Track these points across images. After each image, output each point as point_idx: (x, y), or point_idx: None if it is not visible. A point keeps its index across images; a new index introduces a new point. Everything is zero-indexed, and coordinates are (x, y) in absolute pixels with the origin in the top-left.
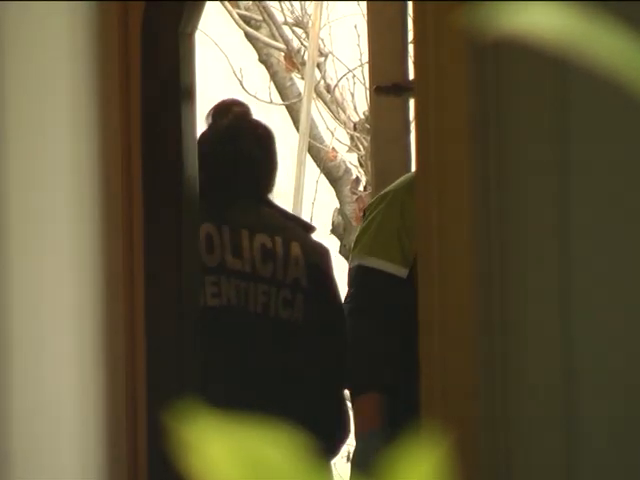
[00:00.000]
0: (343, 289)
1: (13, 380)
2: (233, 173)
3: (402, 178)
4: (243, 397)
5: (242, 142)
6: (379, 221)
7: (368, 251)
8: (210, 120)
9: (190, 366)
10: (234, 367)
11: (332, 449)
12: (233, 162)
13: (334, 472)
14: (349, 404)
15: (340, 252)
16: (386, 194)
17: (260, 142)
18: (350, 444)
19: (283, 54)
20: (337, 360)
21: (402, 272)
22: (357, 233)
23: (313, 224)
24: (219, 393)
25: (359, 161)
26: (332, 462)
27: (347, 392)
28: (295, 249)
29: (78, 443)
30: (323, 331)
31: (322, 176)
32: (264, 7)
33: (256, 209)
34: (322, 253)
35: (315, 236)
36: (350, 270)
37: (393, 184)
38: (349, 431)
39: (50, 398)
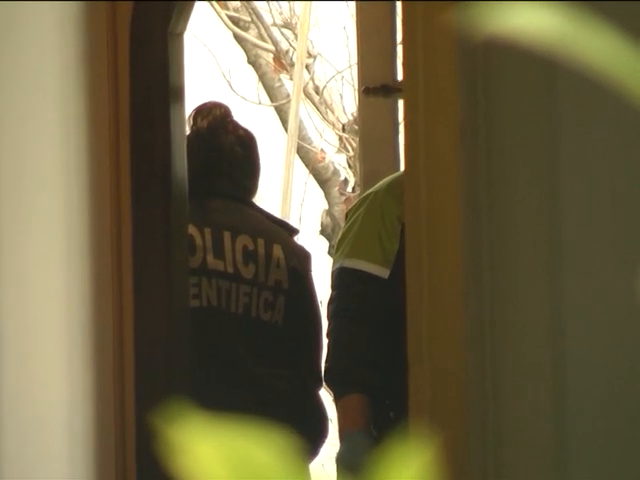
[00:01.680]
0: (327, 290)
1: (2, 381)
2: (214, 172)
3: (383, 180)
4: (224, 397)
5: (222, 142)
6: (360, 223)
7: (349, 253)
8: (191, 122)
9: (178, 367)
10: (214, 368)
11: (311, 450)
12: (214, 161)
13: (323, 473)
14: (331, 405)
15: (329, 253)
16: (367, 196)
17: (241, 143)
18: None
19: (272, 55)
20: (314, 362)
21: (383, 272)
22: (339, 236)
23: (297, 227)
24: (201, 394)
25: (348, 162)
26: (321, 463)
27: (330, 393)
28: (277, 251)
29: (66, 445)
30: (302, 334)
31: (311, 177)
32: (253, 8)
33: (239, 211)
34: (304, 257)
35: (304, 237)
36: (332, 272)
37: (375, 186)
38: (327, 432)
39: (39, 400)
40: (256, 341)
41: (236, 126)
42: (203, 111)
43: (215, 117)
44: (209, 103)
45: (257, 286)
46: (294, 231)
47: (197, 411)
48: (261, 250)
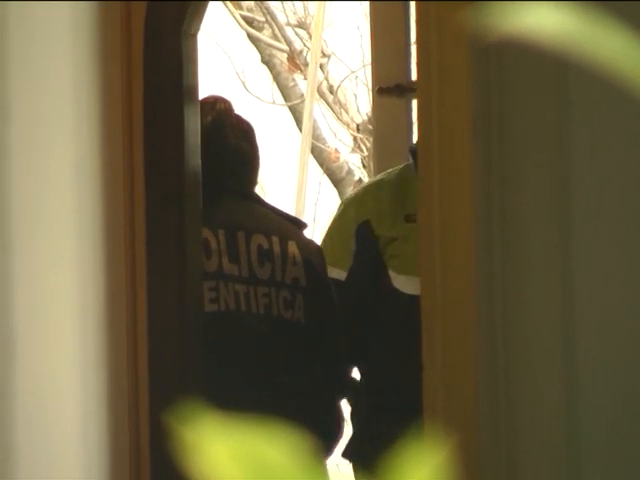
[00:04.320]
0: None
1: (16, 381)
2: (222, 171)
3: (361, 186)
4: (244, 398)
5: (229, 139)
6: (327, 230)
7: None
8: None
9: (192, 367)
10: (238, 370)
11: (328, 448)
12: (222, 159)
13: (338, 473)
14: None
15: None
16: (339, 205)
17: (245, 137)
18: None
19: (286, 55)
20: (334, 359)
21: (342, 275)
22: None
23: (305, 221)
24: (225, 396)
25: (362, 162)
26: (336, 464)
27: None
28: (292, 248)
29: (81, 444)
30: (323, 331)
31: (325, 177)
32: (266, 8)
33: (250, 209)
34: (316, 251)
35: (318, 236)
36: None
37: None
38: (343, 430)
39: (53, 399)
40: (279, 340)
41: (239, 120)
42: (206, 106)
43: (219, 113)
44: (210, 98)
45: (275, 286)
46: (303, 225)
47: (212, 411)
48: (276, 248)
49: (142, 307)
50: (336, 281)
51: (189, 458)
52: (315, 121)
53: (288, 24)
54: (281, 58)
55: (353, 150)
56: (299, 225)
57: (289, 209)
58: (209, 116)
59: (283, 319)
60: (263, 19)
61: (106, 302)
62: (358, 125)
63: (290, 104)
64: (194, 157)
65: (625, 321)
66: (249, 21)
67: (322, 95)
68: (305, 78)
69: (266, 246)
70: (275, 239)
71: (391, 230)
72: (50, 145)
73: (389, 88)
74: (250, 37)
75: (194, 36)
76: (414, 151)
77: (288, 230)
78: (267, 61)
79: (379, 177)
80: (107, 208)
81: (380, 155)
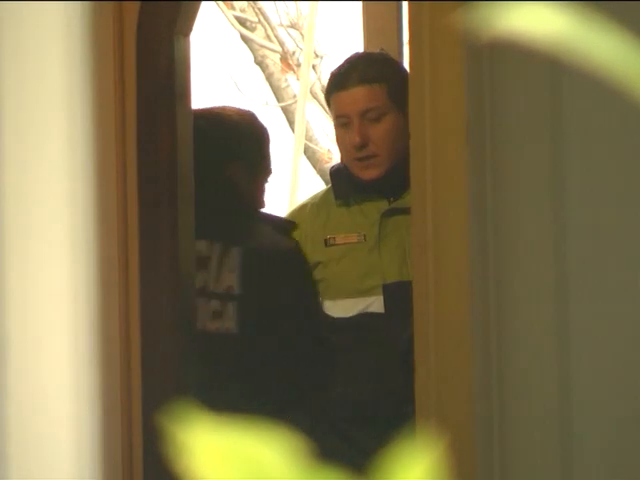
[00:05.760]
0: None
1: (8, 383)
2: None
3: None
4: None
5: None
6: None
7: None
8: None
9: (184, 368)
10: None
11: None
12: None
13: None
14: None
15: None
16: None
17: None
18: None
19: (278, 55)
20: (276, 367)
21: None
22: None
23: (290, 219)
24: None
25: None
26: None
27: None
28: (234, 254)
29: (73, 445)
30: (262, 339)
31: (318, 178)
32: (259, 8)
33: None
34: (275, 254)
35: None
36: None
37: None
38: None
39: (46, 400)
40: (202, 353)
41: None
42: (219, 117)
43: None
44: (228, 109)
45: (205, 296)
46: (284, 224)
47: (204, 411)
48: (215, 255)
49: (134, 307)
50: None
51: (182, 460)
52: (308, 122)
53: (281, 25)
54: (274, 59)
55: None
56: (285, 226)
57: (281, 210)
58: (221, 126)
59: (207, 331)
60: (256, 19)
61: (99, 303)
62: None
63: (283, 105)
64: (187, 157)
65: (620, 320)
66: (242, 22)
67: (315, 96)
68: (298, 79)
69: (205, 253)
70: (217, 246)
71: (314, 255)
72: (42, 146)
73: None
74: (243, 38)
75: (186, 37)
76: (332, 173)
77: (240, 234)
78: (260, 62)
79: (304, 202)
80: (100, 210)
81: None
